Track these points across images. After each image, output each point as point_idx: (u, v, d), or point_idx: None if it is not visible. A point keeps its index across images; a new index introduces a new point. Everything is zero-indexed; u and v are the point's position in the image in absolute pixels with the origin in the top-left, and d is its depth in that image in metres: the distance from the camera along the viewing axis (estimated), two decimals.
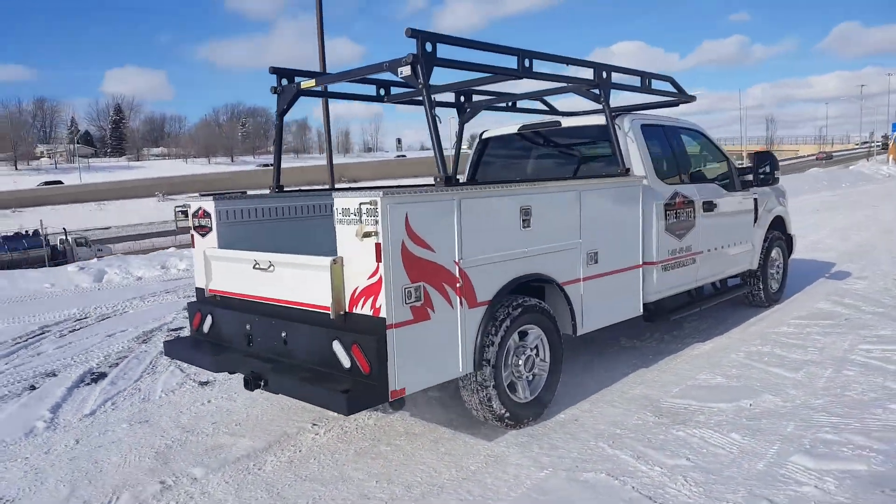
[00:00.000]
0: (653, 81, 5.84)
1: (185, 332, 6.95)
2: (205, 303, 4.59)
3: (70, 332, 7.50)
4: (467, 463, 3.83)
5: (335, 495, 3.53)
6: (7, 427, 4.68)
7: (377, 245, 3.37)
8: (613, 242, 5.00)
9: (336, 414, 4.31)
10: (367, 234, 3.39)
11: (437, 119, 3.92)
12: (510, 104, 6.60)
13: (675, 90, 6.38)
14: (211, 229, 4.52)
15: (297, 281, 3.85)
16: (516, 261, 4.18)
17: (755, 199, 6.90)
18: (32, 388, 5.51)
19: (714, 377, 5.11)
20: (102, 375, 5.77)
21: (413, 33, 3.85)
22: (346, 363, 3.54)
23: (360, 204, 3.41)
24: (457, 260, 3.78)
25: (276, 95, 4.74)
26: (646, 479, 3.52)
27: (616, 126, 5.42)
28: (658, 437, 4.05)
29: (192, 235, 4.69)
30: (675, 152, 5.93)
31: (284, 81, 4.81)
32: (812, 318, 6.68)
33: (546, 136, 6.30)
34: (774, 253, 7.38)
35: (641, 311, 5.35)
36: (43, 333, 7.47)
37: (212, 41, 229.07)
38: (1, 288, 10.25)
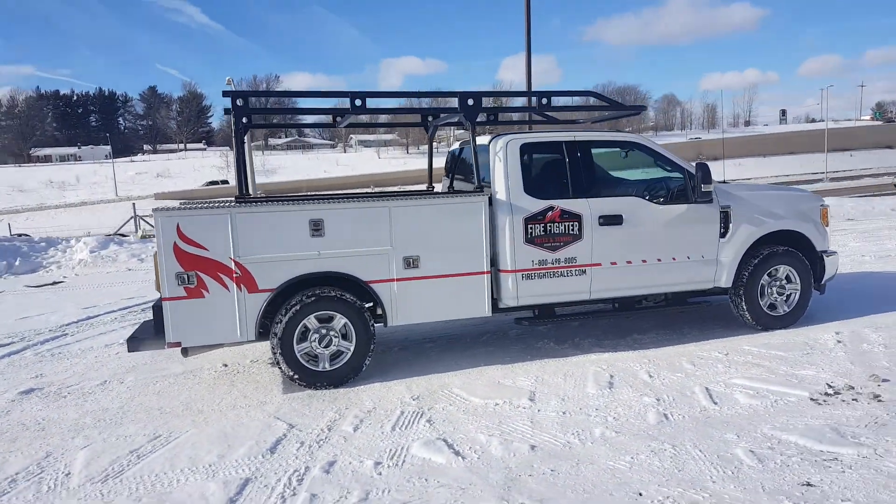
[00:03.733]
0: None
1: None
2: None
3: None
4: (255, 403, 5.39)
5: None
6: None
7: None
8: (442, 250, 5.74)
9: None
10: (146, 236, 5.19)
11: (246, 150, 5.45)
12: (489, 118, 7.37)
13: (607, 103, 6.48)
14: None
15: None
16: (306, 261, 5.45)
17: (726, 211, 6.39)
18: None
19: (509, 378, 5.50)
20: None
21: (225, 94, 5.44)
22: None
23: (152, 216, 5.22)
24: (232, 256, 5.30)
25: (231, 111, 5.66)
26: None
27: (490, 147, 6.02)
28: (409, 412, 4.99)
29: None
30: (571, 169, 6.11)
31: (240, 102, 5.61)
32: (770, 347, 6.04)
33: None
34: (782, 271, 6.61)
35: (488, 312, 5.93)
36: None
37: (600, 19, 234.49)
38: None
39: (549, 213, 5.97)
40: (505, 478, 3.84)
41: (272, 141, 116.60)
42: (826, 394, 4.86)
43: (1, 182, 78.00)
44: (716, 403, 4.81)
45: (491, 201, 5.92)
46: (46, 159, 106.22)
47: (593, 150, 6.33)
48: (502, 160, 5.97)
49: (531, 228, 5.93)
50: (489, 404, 5.04)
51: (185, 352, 5.44)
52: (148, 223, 21.26)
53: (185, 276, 5.24)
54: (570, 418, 4.68)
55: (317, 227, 5.46)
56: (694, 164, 6.30)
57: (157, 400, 5.54)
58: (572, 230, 6.03)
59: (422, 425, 4.68)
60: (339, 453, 4.30)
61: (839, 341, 6.09)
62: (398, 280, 5.69)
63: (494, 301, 6.03)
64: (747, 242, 6.50)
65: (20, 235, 19.59)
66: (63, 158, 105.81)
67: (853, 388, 4.95)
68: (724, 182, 6.85)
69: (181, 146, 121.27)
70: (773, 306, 6.68)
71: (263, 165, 75.11)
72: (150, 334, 5.41)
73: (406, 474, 3.96)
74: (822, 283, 6.92)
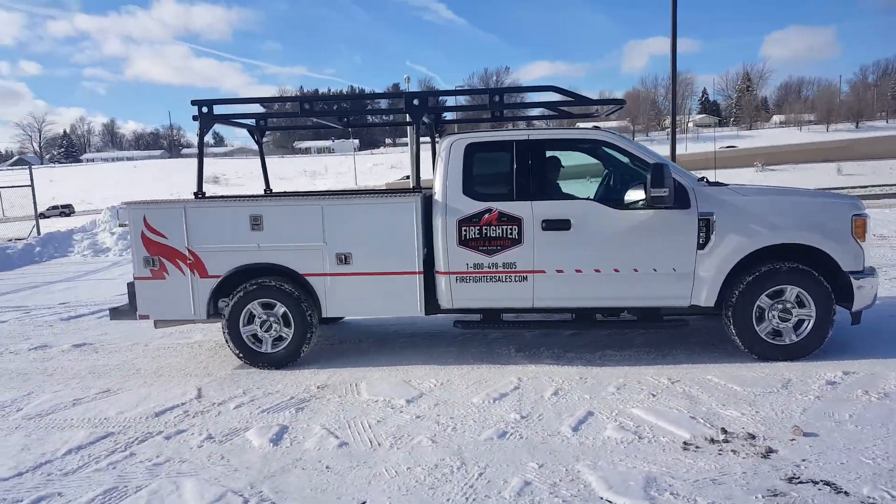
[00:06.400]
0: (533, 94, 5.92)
1: None
2: None
3: None
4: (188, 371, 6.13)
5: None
6: None
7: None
8: (374, 248, 5.88)
9: None
10: (122, 225, 6.14)
11: (203, 157, 6.16)
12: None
13: (571, 98, 6.06)
14: None
15: None
16: (246, 252, 5.99)
17: (706, 219, 5.57)
18: None
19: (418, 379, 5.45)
20: None
21: (193, 102, 6.19)
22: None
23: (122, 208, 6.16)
24: (187, 245, 6.03)
25: (196, 122, 6.35)
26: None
27: (438, 147, 6.00)
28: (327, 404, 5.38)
29: None
30: (517, 170, 5.80)
31: (205, 109, 6.24)
32: (738, 381, 5.19)
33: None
34: (789, 293, 5.58)
35: (420, 312, 5.92)
36: None
37: None
38: None
39: (486, 215, 5.77)
40: (280, 468, 3.99)
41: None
42: (711, 440, 4.12)
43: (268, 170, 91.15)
44: (576, 430, 4.36)
45: (431, 201, 5.91)
46: (306, 151, 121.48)
47: (548, 150, 5.94)
48: (444, 160, 5.90)
49: (465, 231, 5.78)
50: (371, 400, 5.13)
51: (155, 324, 6.31)
52: None
53: (151, 260, 6.09)
54: (418, 423, 4.61)
55: (256, 222, 5.96)
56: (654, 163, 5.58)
57: (148, 363, 6.50)
58: (511, 234, 5.75)
59: (287, 413, 4.94)
60: (196, 424, 4.77)
61: (831, 382, 5.01)
62: (331, 275, 5.96)
63: (436, 302, 6.00)
64: (735, 256, 5.58)
65: None
66: (320, 151, 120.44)
67: (754, 437, 4.13)
68: (717, 184, 5.92)
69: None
70: (777, 333, 5.66)
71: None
72: (128, 307, 6.37)
73: (216, 450, 4.29)
74: (854, 311, 5.67)
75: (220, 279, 6.06)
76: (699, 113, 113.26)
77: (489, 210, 5.77)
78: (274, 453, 4.21)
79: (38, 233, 18.15)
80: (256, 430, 4.60)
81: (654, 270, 5.68)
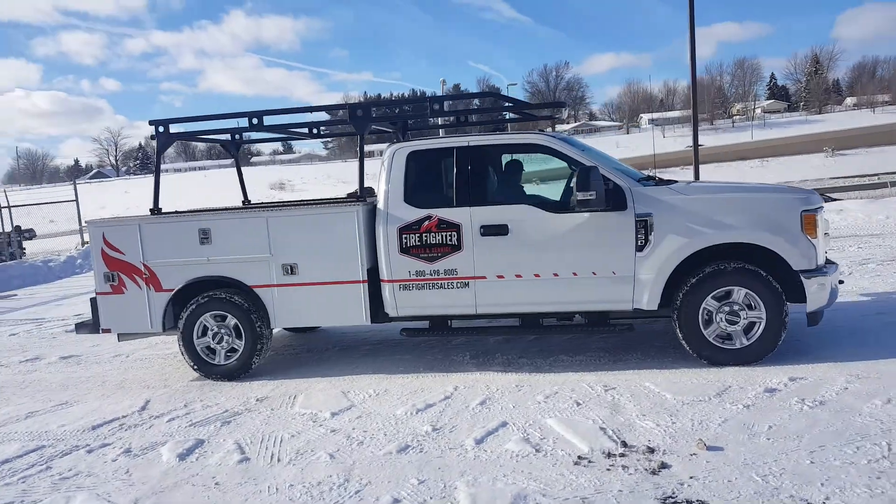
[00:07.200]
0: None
1: None
2: None
3: None
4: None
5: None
6: None
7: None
8: (319, 259, 5.91)
9: None
10: (86, 243, 6.38)
11: (159, 173, 6.35)
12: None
13: (510, 104, 5.95)
14: None
15: None
16: (197, 266, 6.13)
17: (644, 220, 5.34)
18: None
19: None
20: None
21: (151, 122, 6.38)
22: None
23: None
24: (143, 260, 6.22)
25: (153, 141, 6.67)
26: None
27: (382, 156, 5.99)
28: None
29: None
30: (457, 176, 5.72)
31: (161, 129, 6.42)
32: (674, 389, 4.96)
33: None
34: (737, 294, 5.30)
35: (366, 320, 5.92)
36: None
37: None
38: None
39: (426, 222, 5.71)
40: (173, 483, 4.06)
41: (560, 126, 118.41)
42: (609, 454, 3.95)
43: (329, 172, 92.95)
44: (479, 443, 4.27)
45: (374, 210, 5.90)
46: (370, 154, 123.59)
47: (487, 156, 5.85)
48: (387, 168, 5.88)
49: (405, 238, 5.74)
50: (299, 414, 5.16)
51: (118, 337, 6.54)
52: None
53: (111, 276, 6.31)
54: (329, 437, 4.60)
55: (205, 236, 6.09)
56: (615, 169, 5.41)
57: (117, 374, 6.75)
58: (450, 240, 5.68)
59: (212, 427, 5.02)
60: (122, 438, 4.92)
61: (771, 390, 4.72)
62: (278, 286, 6.03)
63: (384, 311, 5.98)
64: (676, 258, 5.33)
65: None
66: (382, 153, 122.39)
67: (653, 451, 3.93)
68: (661, 182, 5.65)
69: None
70: (728, 337, 5.38)
71: None
72: (92, 321, 6.62)
73: (126, 464, 4.41)
74: (811, 312, 5.33)
75: (173, 292, 6.21)
76: (767, 98, 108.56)
77: (429, 217, 5.71)
78: (176, 468, 4.29)
79: (83, 245, 19.14)
80: (172, 444, 4.69)
81: (594, 274, 5.49)
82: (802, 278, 5.23)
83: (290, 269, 5.98)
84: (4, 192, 18.52)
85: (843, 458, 3.62)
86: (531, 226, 5.56)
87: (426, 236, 5.72)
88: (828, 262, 5.65)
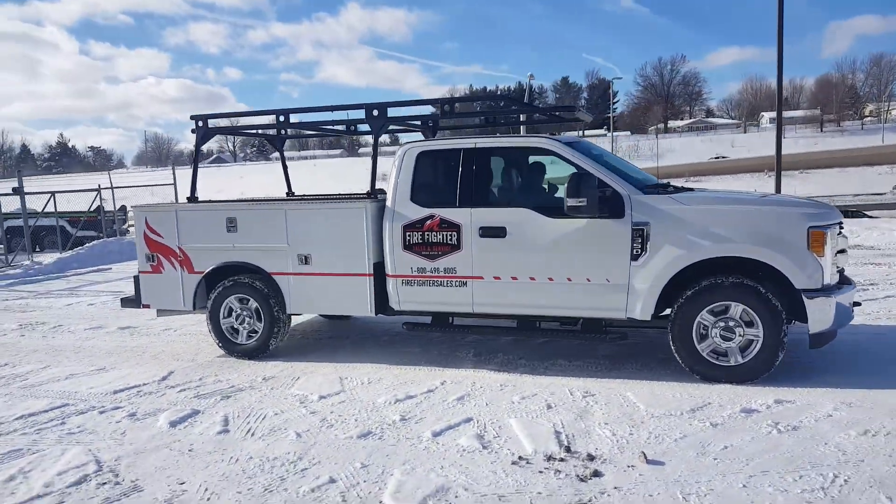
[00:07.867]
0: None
1: None
2: None
3: None
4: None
5: None
6: None
7: None
8: (331, 251, 6.24)
9: None
10: (130, 226, 7.04)
11: (197, 165, 6.89)
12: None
13: (516, 106, 5.99)
14: None
15: None
16: (224, 251, 6.62)
17: (640, 229, 5.27)
18: None
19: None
20: None
21: (192, 117, 6.94)
22: None
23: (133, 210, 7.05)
24: (178, 244, 6.79)
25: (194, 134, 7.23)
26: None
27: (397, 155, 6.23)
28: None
29: None
30: (462, 177, 5.85)
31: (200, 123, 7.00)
32: (655, 402, 4.91)
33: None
34: (735, 310, 5.14)
35: (371, 312, 6.19)
36: None
37: None
38: None
39: (429, 221, 5.90)
40: (154, 446, 4.49)
41: (673, 123, 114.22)
42: (549, 457, 4.00)
43: None
44: (436, 436, 4.43)
45: (383, 207, 6.15)
46: None
47: (493, 158, 5.95)
48: (397, 168, 6.10)
49: (409, 236, 5.95)
50: (292, 395, 5.50)
51: (157, 313, 7.16)
52: None
53: (151, 256, 6.93)
54: (306, 418, 4.90)
55: (232, 224, 6.56)
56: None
57: (158, 346, 7.39)
58: (451, 240, 5.83)
59: (212, 400, 5.45)
60: (134, 403, 5.45)
61: (748, 410, 4.58)
62: (294, 274, 6.41)
63: (389, 304, 6.23)
64: (671, 269, 5.23)
65: None
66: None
67: (593, 458, 3.95)
68: (663, 189, 5.52)
69: (580, 133, 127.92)
70: (723, 353, 5.23)
71: (652, 150, 74.34)
72: (135, 297, 7.26)
73: (126, 426, 4.91)
74: (814, 333, 5.07)
75: (203, 274, 6.74)
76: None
77: (432, 216, 5.90)
78: (163, 434, 4.73)
79: None
80: (171, 412, 5.16)
81: (588, 280, 5.48)
82: (804, 297, 4.99)
83: (305, 259, 6.35)
84: (109, 175, 20.42)
85: (779, 485, 3.51)
86: (528, 229, 5.61)
87: (428, 235, 5.90)
88: (844, 281, 5.36)
